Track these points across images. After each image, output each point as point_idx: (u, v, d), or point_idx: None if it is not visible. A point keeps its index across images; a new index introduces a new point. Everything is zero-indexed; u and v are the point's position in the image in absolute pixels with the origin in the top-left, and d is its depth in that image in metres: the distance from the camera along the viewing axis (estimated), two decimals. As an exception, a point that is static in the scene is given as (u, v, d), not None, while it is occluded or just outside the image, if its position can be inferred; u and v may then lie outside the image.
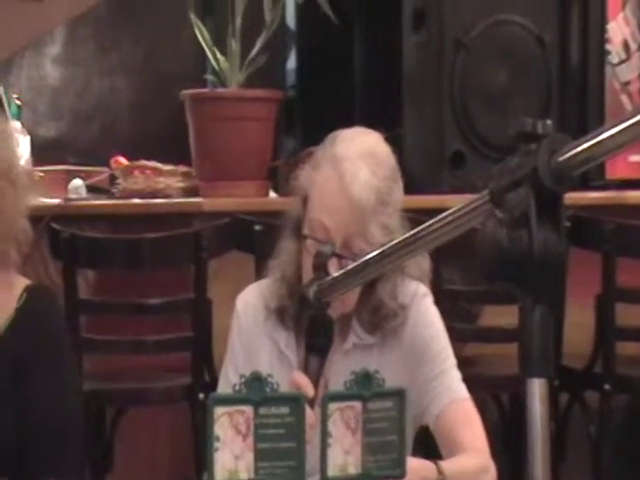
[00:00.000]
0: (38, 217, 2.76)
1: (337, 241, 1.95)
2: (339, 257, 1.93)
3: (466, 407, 2.02)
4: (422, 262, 2.07)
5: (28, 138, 3.41)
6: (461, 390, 2.03)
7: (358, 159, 1.97)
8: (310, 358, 1.81)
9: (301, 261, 2.01)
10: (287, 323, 2.04)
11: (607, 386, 3.23)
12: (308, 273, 1.95)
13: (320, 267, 1.80)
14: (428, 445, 2.08)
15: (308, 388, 1.77)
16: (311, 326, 1.80)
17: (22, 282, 2.12)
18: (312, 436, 1.64)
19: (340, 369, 1.98)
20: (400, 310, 2.03)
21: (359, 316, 2.04)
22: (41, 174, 3.33)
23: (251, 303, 2.09)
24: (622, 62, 3.73)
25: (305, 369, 1.81)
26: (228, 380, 2.05)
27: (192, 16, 3.43)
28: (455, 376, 2.04)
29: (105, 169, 3.56)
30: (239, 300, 2.11)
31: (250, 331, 2.07)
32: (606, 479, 3.26)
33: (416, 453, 1.96)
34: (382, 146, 2.04)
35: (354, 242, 1.96)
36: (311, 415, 1.68)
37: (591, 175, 3.51)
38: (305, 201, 2.02)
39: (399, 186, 2.04)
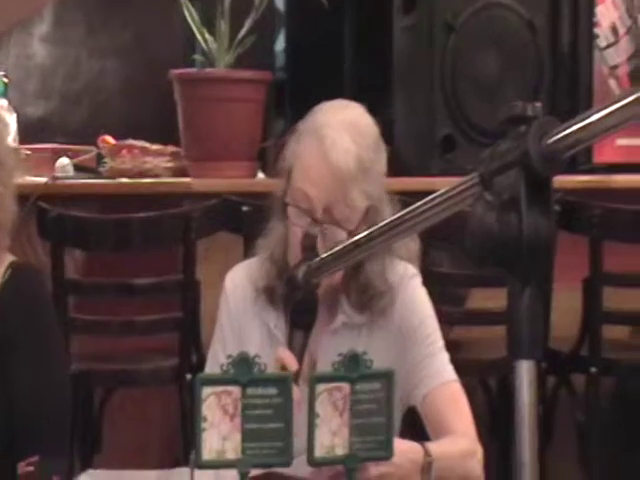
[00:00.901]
0: (25, 196, 2.75)
1: (318, 208, 1.96)
2: (320, 222, 1.94)
3: (453, 389, 2.03)
4: (410, 244, 2.07)
5: (15, 116, 3.40)
6: (449, 372, 2.04)
7: (339, 126, 1.97)
8: (294, 334, 1.82)
9: (289, 242, 2.01)
10: (276, 303, 2.04)
11: (593, 369, 3.24)
12: (295, 247, 1.96)
13: (309, 248, 1.81)
14: (415, 427, 2.09)
15: (292, 363, 1.77)
16: (295, 302, 1.80)
17: (7, 258, 2.12)
18: (297, 413, 1.65)
19: (328, 349, 1.98)
20: (388, 290, 2.03)
21: (348, 295, 2.05)
22: (28, 152, 3.31)
23: (240, 283, 2.09)
24: (610, 46, 3.73)
25: (289, 345, 1.81)
26: (217, 360, 2.05)
27: (181, -4, 3.41)
28: (443, 358, 2.05)
29: (92, 148, 3.54)
30: (228, 279, 2.11)
31: (239, 311, 2.07)
32: (594, 462, 3.28)
33: (403, 434, 1.97)
34: (365, 117, 2.03)
35: (335, 208, 1.96)
36: (295, 391, 1.68)
37: (578, 159, 3.51)
38: (289, 174, 2.02)
39: (382, 157, 2.03)
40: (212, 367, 2.05)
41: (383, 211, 1.99)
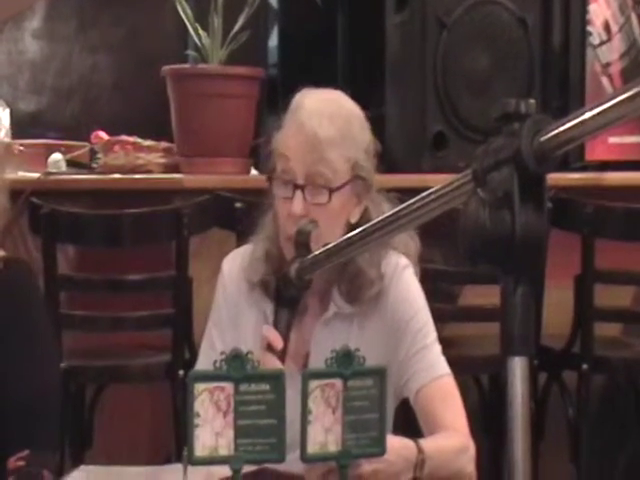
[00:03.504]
0: (17, 191, 2.75)
1: (300, 173, 1.98)
2: (302, 188, 1.95)
3: (446, 383, 2.03)
4: (409, 241, 2.08)
5: (7, 111, 3.40)
6: (442, 366, 2.04)
7: (317, 102, 2.03)
8: (280, 312, 1.83)
9: (277, 219, 2.03)
10: (271, 294, 2.05)
11: (585, 366, 3.25)
12: (283, 224, 1.99)
13: (302, 244, 1.81)
14: (408, 420, 2.09)
15: (277, 342, 1.79)
16: (281, 280, 1.82)
17: (-2, 253, 2.12)
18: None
19: (321, 339, 1.99)
20: (378, 279, 2.03)
21: (339, 286, 2.05)
22: (20, 148, 3.31)
23: (235, 271, 2.11)
24: (603, 43, 3.74)
25: (275, 323, 1.83)
26: (212, 343, 2.06)
27: (174, -8, 3.41)
28: (436, 351, 2.04)
29: (85, 144, 3.54)
30: (225, 264, 2.13)
31: (235, 294, 2.09)
32: (585, 459, 3.29)
33: (396, 427, 1.97)
34: (345, 99, 2.08)
35: (316, 170, 1.97)
36: (277, 363, 1.73)
37: (571, 157, 3.52)
38: (274, 151, 2.05)
39: (365, 130, 2.05)
40: (206, 350, 2.06)
41: (373, 187, 2.02)
